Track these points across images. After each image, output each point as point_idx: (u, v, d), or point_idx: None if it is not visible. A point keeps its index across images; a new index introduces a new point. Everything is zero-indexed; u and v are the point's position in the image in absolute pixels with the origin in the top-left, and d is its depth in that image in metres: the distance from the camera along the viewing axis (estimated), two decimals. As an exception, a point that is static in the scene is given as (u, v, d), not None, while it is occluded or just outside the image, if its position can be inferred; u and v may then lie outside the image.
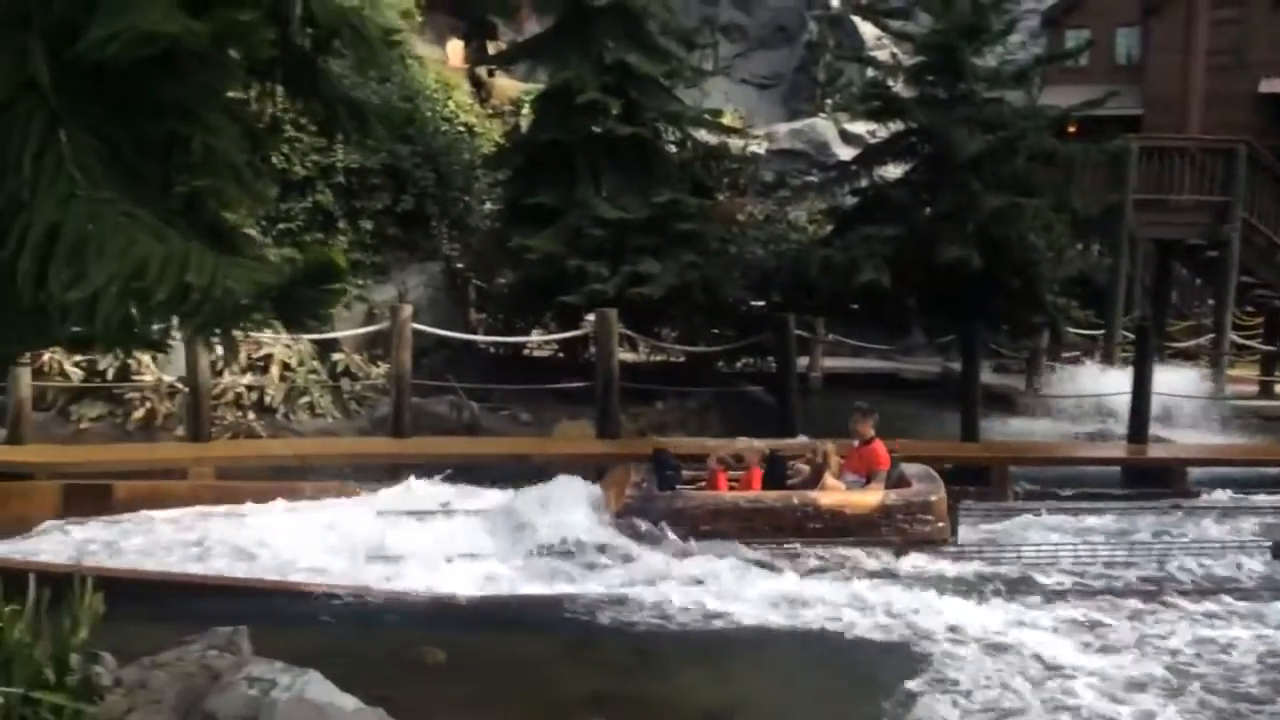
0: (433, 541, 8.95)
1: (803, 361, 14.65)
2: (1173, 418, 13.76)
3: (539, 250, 12.82)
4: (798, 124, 19.72)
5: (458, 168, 14.86)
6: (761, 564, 8.60)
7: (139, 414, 11.57)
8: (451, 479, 10.55)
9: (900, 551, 8.93)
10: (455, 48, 19.16)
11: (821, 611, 7.74)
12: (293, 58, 4.34)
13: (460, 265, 15.02)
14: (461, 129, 15.90)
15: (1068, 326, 14.53)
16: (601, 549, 8.65)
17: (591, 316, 13.28)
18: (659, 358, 14.66)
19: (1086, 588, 8.61)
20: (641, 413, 13.00)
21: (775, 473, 9.48)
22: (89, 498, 9.70)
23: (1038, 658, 6.99)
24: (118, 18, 3.39)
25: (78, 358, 11.45)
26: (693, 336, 14.40)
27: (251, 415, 11.86)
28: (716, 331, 14.51)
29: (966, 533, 9.64)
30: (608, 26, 13.32)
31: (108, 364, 11.51)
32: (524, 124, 17.44)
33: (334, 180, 13.35)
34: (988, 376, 14.36)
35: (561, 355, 14.95)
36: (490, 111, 17.80)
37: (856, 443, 9.54)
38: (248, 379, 11.99)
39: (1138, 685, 6.59)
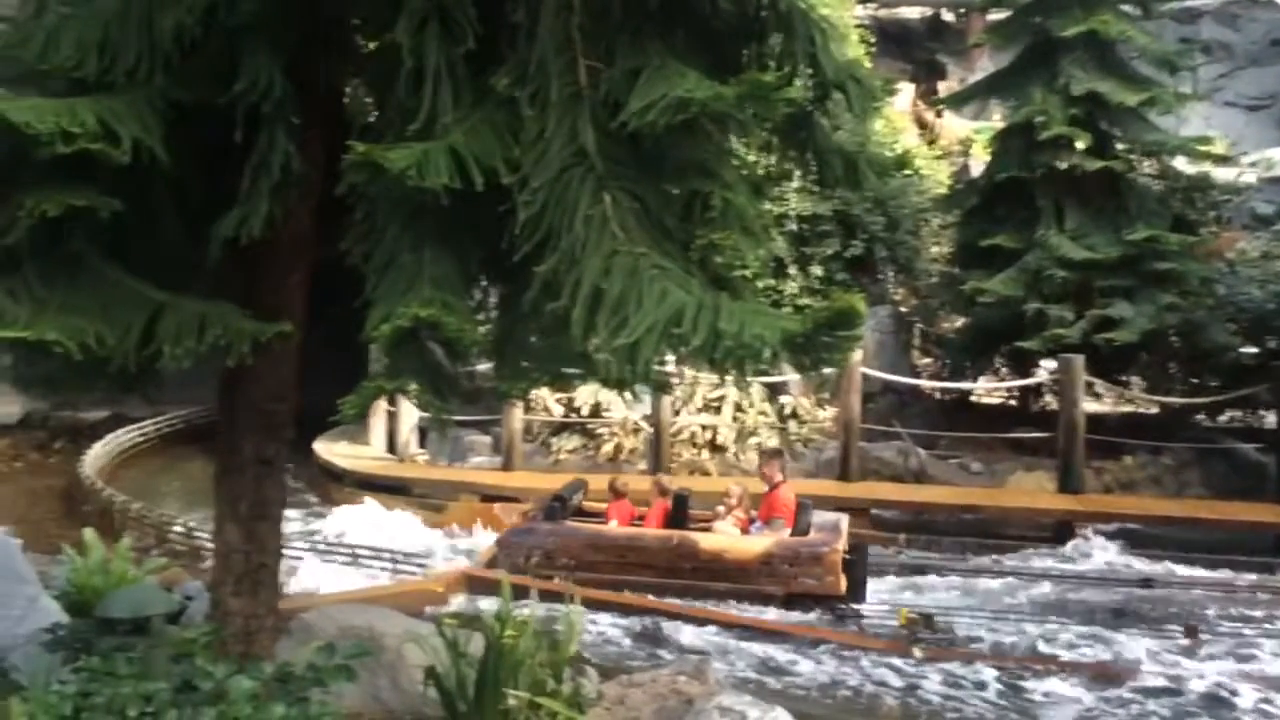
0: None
1: (1305, 417, 12.70)
2: None
3: (994, 293, 12.39)
4: (1299, 148, 17.31)
5: (906, 211, 14.71)
6: None
7: (607, 448, 12.63)
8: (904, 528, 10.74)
9: (783, 605, 8.54)
10: (904, 90, 19.04)
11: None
12: (793, 113, 4.48)
13: (905, 310, 14.82)
14: (909, 172, 15.73)
15: None
16: None
17: (1048, 363, 12.57)
18: (1127, 408, 13.44)
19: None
20: (1107, 467, 12.17)
21: (679, 511, 9.18)
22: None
23: None
24: (655, 89, 3.70)
25: (559, 395, 12.71)
26: (1167, 386, 13.09)
27: (705, 454, 12.46)
28: (1195, 381, 13.07)
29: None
30: (1076, 56, 12.59)
31: (582, 401, 12.66)
32: (973, 164, 16.93)
33: (786, 227, 13.72)
34: None
35: (1013, 403, 14.22)
36: (938, 153, 17.44)
37: (766, 487, 9.17)
38: (703, 419, 12.61)
39: None
